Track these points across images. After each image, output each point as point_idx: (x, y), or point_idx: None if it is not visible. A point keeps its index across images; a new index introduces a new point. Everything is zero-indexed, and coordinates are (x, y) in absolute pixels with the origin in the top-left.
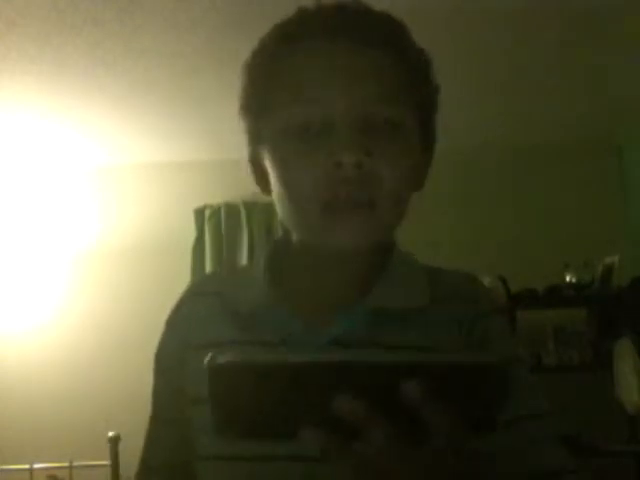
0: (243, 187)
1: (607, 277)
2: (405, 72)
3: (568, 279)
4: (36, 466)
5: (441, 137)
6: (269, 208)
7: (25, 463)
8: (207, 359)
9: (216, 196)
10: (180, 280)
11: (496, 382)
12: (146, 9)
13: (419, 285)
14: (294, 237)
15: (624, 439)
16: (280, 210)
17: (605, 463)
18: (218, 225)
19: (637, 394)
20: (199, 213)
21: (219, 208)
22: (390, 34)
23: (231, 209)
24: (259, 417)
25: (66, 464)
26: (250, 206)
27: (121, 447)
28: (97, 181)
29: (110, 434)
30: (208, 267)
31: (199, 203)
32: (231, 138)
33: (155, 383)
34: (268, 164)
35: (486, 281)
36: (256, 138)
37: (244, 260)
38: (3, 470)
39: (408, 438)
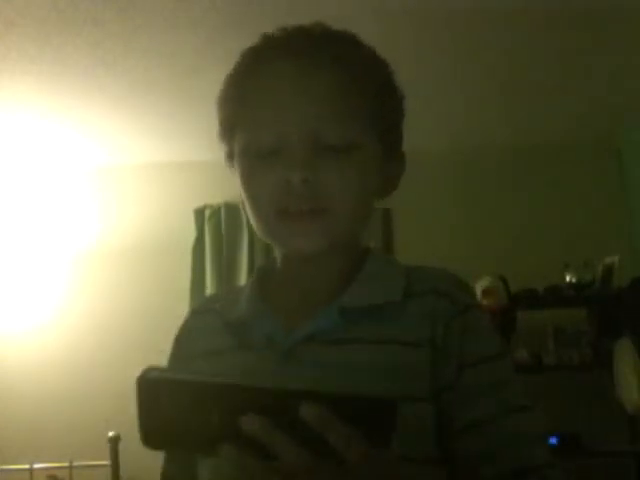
0: None
1: (607, 277)
2: (361, 90)
3: (568, 279)
4: (36, 466)
5: (442, 137)
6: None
7: (25, 463)
8: (139, 374)
9: (216, 196)
10: (180, 280)
11: (384, 415)
12: (146, 9)
13: (392, 282)
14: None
15: (624, 439)
16: (250, 218)
17: (605, 463)
18: (218, 225)
19: (637, 394)
20: (199, 213)
21: (219, 208)
22: (347, 55)
23: (231, 209)
24: (179, 432)
25: (66, 464)
26: None
27: (121, 447)
28: (97, 181)
29: (110, 434)
30: (208, 267)
31: (199, 203)
32: None
33: None
34: (238, 179)
35: (487, 281)
36: (230, 158)
37: (244, 260)
38: (3, 470)
39: (320, 458)
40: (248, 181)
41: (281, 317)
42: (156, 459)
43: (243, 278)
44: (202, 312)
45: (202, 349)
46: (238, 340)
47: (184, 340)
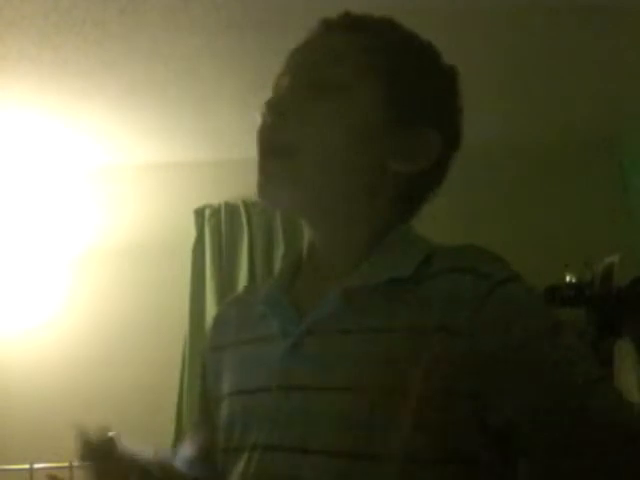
0: (243, 187)
1: (607, 277)
2: (370, 46)
3: (568, 279)
4: (36, 466)
5: None
6: (269, 209)
7: (25, 463)
8: None
9: (216, 196)
10: (180, 280)
11: None
12: (146, 9)
13: (406, 258)
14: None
15: None
16: None
17: None
18: (218, 225)
19: (637, 394)
20: (199, 213)
21: (219, 208)
22: (368, 24)
23: (231, 209)
24: None
25: (66, 464)
26: (250, 206)
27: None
28: (97, 181)
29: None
30: (208, 267)
31: (199, 203)
32: (231, 138)
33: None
34: None
35: None
36: None
37: (244, 260)
38: (3, 470)
39: None
40: None
41: (296, 306)
42: None
43: (243, 278)
44: (235, 302)
45: (232, 339)
46: (259, 331)
47: (217, 329)
